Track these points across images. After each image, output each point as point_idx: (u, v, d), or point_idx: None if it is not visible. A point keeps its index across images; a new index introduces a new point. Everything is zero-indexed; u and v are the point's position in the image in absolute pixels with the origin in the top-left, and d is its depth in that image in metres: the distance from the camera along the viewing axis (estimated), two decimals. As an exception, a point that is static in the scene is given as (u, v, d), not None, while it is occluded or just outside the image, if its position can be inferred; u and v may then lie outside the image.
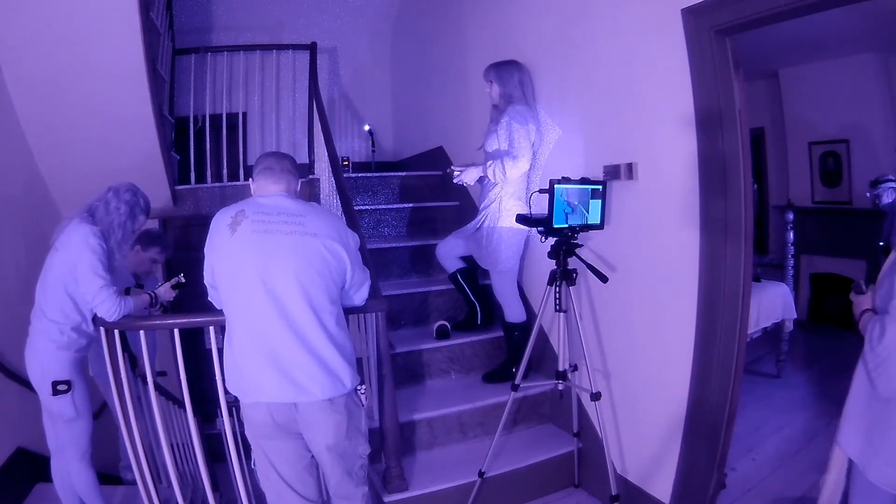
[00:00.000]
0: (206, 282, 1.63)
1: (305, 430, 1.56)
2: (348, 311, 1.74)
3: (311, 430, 1.56)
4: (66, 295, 1.92)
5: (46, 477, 2.16)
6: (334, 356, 1.54)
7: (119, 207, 2.03)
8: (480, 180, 2.65)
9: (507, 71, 2.60)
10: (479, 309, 2.86)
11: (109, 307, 1.81)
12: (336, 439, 1.57)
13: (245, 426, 1.60)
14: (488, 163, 2.55)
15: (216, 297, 1.64)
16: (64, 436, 2.02)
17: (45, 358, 1.93)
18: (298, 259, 1.50)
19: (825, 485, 1.45)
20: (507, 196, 2.55)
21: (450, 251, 2.83)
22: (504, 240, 2.57)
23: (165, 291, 2.24)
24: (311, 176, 3.80)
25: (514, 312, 2.67)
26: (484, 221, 2.62)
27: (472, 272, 2.86)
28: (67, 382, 1.93)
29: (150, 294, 2.15)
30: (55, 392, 1.92)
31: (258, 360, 1.50)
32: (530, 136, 2.50)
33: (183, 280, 2.26)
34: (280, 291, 1.48)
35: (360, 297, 1.73)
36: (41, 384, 1.93)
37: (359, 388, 1.65)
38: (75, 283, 1.88)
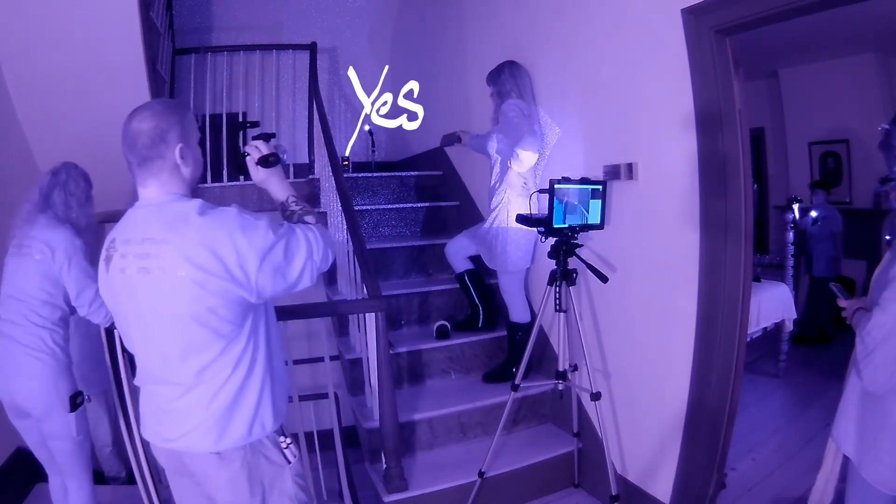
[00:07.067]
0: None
1: (199, 481, 1.26)
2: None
3: (203, 484, 1.26)
4: (54, 300, 1.76)
5: (47, 477, 2.16)
6: (225, 403, 1.17)
7: (78, 183, 1.88)
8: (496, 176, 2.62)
9: (496, 70, 2.63)
10: (482, 312, 2.85)
11: (106, 312, 1.72)
12: (235, 498, 1.23)
13: None
14: (495, 149, 2.57)
15: None
16: (76, 462, 1.82)
17: (48, 373, 1.72)
18: (167, 318, 1.14)
19: (818, 478, 1.46)
20: (515, 196, 2.54)
21: (459, 251, 2.81)
22: (514, 241, 2.55)
23: None
24: (311, 176, 3.80)
25: (518, 313, 2.67)
26: (493, 222, 2.61)
27: (480, 274, 2.85)
28: (80, 393, 1.79)
29: None
30: (74, 407, 1.74)
31: (144, 393, 1.27)
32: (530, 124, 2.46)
33: None
34: (155, 349, 1.19)
35: (311, 278, 1.24)
36: (42, 406, 1.72)
37: (281, 440, 1.27)
38: (55, 289, 1.75)
